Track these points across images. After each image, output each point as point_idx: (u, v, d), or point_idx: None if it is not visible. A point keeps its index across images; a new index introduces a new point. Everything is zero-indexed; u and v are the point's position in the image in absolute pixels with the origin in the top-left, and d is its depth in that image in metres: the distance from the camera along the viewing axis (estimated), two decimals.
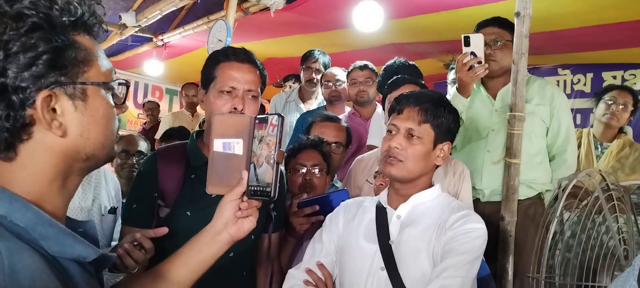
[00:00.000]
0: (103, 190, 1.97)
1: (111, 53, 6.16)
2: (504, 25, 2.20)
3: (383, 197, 1.49)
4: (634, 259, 1.07)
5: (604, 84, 4.54)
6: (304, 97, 3.46)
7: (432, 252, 1.32)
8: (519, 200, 2.13)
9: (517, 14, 2.01)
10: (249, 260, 1.59)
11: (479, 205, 2.22)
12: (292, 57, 4.76)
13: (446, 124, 1.42)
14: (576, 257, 1.59)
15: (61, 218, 0.73)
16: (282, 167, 1.92)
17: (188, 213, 1.44)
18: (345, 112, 3.01)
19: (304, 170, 1.95)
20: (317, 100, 3.42)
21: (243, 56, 1.49)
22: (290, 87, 4.26)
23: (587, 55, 4.22)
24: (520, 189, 2.14)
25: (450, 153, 2.40)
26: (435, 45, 4.16)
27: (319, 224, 1.57)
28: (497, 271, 2.12)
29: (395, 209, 1.43)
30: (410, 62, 2.69)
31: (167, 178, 1.48)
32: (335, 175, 2.29)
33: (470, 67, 2.04)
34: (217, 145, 1.05)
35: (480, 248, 1.34)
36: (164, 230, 1.28)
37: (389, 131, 1.44)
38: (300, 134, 2.86)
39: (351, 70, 2.89)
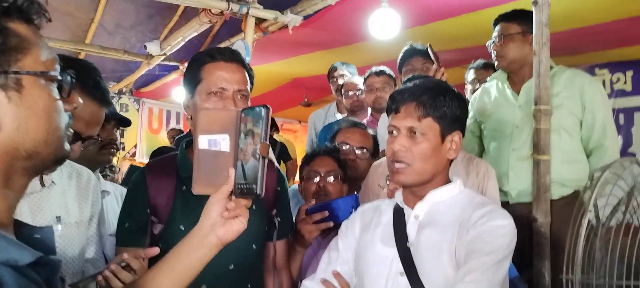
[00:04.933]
0: (114, 209, 1.93)
1: (142, 84, 6.34)
2: (511, 18, 2.14)
3: (399, 197, 1.39)
4: None
5: None
6: (340, 109, 3.45)
7: (454, 253, 1.21)
8: (553, 200, 1.99)
9: (535, 3, 1.92)
10: (254, 271, 1.51)
11: (507, 208, 2.08)
12: (317, 75, 4.75)
13: (450, 112, 1.30)
14: (616, 254, 1.44)
15: (5, 222, 0.67)
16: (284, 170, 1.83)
17: (182, 227, 1.36)
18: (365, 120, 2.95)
19: (317, 178, 1.88)
20: None
21: (230, 55, 1.42)
22: None
23: (623, 51, 4.00)
24: (554, 188, 2.00)
25: (481, 157, 2.30)
26: (459, 52, 4.04)
27: (328, 231, 1.49)
28: (534, 277, 1.97)
29: (413, 209, 1.33)
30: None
31: (158, 193, 1.41)
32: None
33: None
34: (203, 142, 0.99)
35: (508, 247, 1.22)
36: (156, 250, 1.21)
37: (390, 132, 1.34)
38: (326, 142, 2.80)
39: (368, 76, 2.84)
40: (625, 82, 4.44)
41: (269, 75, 5.21)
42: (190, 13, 4.18)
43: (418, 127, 1.28)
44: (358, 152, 2.09)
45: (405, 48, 2.59)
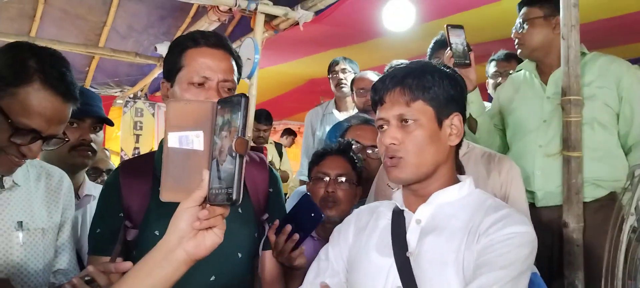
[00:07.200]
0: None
1: (156, 88, 6.26)
2: (533, 2, 1.95)
3: (398, 199, 1.20)
4: None
5: None
6: (340, 106, 3.27)
7: (462, 266, 1.03)
8: (585, 202, 1.78)
9: None
10: (242, 284, 1.34)
11: (534, 212, 1.88)
12: None
13: (443, 92, 1.12)
14: None
15: None
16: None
17: (157, 233, 1.21)
18: None
19: (327, 179, 1.71)
20: (355, 108, 3.21)
21: (215, 40, 1.27)
22: None
23: None
24: (586, 189, 1.79)
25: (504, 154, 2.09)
26: (480, 47, 3.82)
27: (324, 231, 1.31)
28: None
29: (415, 212, 1.15)
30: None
31: (132, 194, 1.27)
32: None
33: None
34: (173, 140, 0.85)
35: (528, 259, 1.03)
36: (127, 265, 1.04)
37: (380, 127, 1.16)
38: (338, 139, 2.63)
39: (388, 69, 2.65)
40: None
41: (283, 77, 5.07)
42: (201, 13, 4.09)
43: (408, 113, 1.11)
44: (369, 151, 1.92)
45: (436, 38, 2.36)
